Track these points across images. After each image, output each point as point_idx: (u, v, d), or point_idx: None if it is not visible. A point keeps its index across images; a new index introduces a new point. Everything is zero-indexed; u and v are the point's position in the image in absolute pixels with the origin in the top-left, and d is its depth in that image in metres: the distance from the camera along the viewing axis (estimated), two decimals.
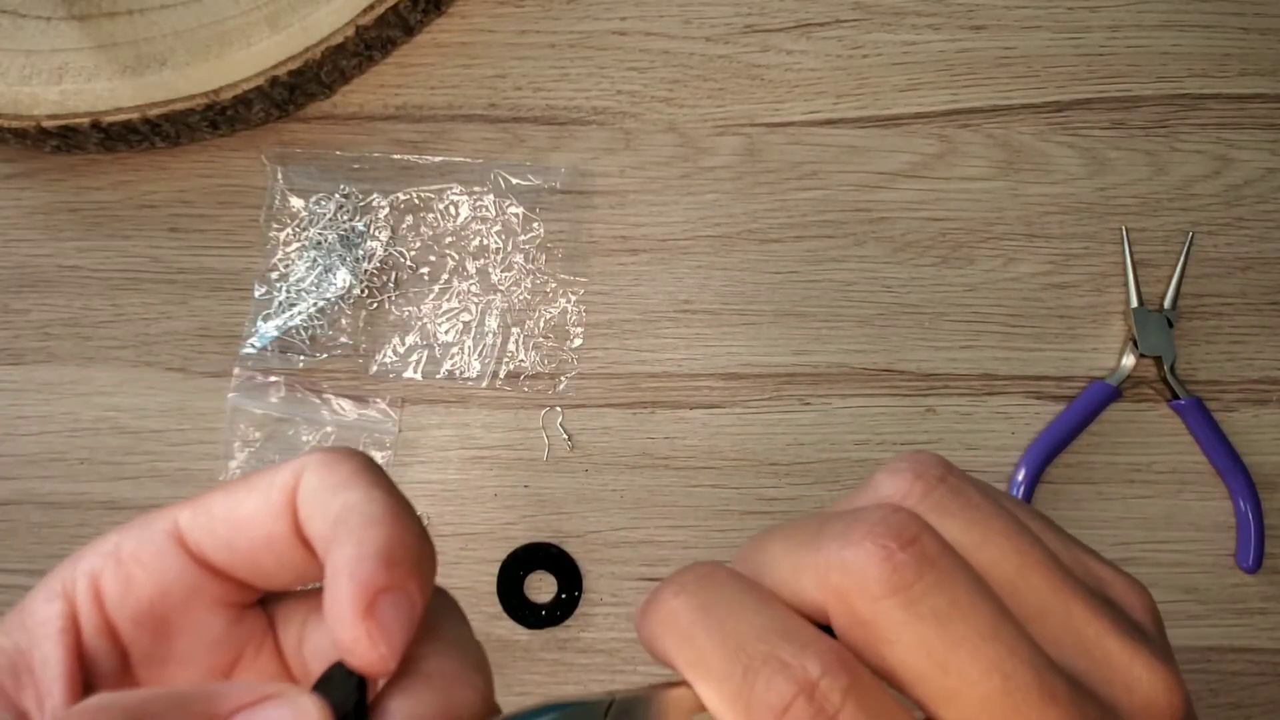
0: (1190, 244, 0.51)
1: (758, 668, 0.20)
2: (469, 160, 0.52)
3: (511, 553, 0.49)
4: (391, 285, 0.51)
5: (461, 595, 0.49)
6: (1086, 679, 0.21)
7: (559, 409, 0.50)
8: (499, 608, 0.48)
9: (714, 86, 0.52)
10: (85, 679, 0.22)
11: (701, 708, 0.21)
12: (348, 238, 0.51)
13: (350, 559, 0.21)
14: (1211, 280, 0.51)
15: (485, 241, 0.51)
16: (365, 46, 0.50)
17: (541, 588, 0.49)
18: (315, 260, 0.51)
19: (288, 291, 0.50)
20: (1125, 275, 0.51)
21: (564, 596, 0.48)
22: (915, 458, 0.23)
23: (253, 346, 0.50)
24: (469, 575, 0.49)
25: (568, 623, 0.48)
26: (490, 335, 0.50)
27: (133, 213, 0.52)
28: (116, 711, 0.18)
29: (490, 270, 0.51)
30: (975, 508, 0.22)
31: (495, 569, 0.49)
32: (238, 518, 0.23)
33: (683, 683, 0.22)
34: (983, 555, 0.22)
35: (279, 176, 0.51)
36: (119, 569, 0.23)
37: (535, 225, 0.51)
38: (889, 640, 0.21)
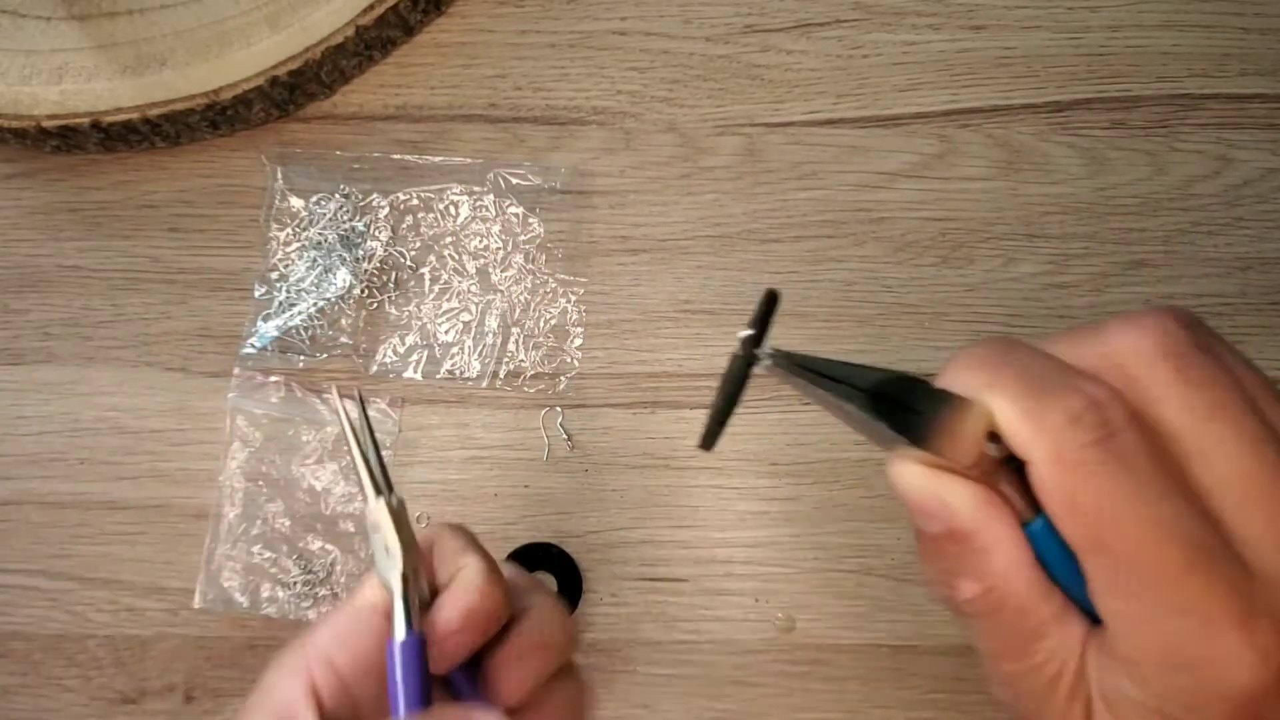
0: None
1: (1052, 389, 0.23)
2: (469, 160, 0.52)
3: (512, 553, 0.49)
4: (391, 285, 0.51)
5: None
6: None
7: (559, 409, 0.50)
8: None
9: (714, 86, 0.52)
10: None
11: (992, 425, 0.24)
12: (348, 238, 0.51)
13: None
14: (1211, 280, 0.51)
15: (485, 241, 0.51)
16: (365, 46, 0.50)
17: None
18: (315, 260, 0.51)
19: (288, 291, 0.50)
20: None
21: (564, 596, 0.48)
22: (1175, 309, 0.26)
23: (253, 346, 0.50)
24: None
25: None
26: (490, 335, 0.50)
27: (133, 213, 0.52)
28: None
29: (490, 270, 0.51)
30: (1232, 352, 0.25)
31: None
32: None
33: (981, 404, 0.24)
34: (1248, 384, 0.24)
35: (279, 176, 0.51)
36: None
37: (535, 225, 0.51)
38: (1158, 398, 0.23)
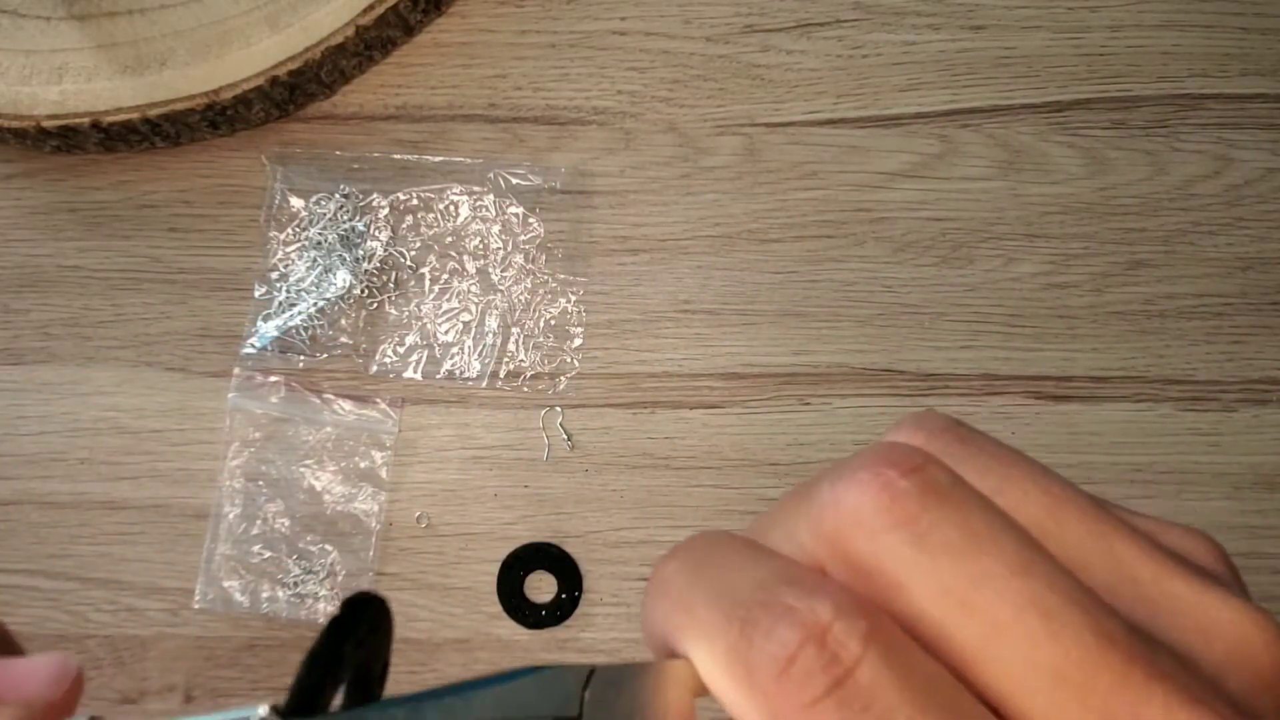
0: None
1: (757, 618, 0.17)
2: (469, 160, 0.52)
3: (512, 553, 0.49)
4: (391, 285, 0.51)
5: (461, 595, 0.49)
6: (1150, 627, 0.17)
7: (559, 409, 0.50)
8: (499, 608, 0.48)
9: (714, 86, 0.52)
10: None
11: (702, 686, 0.18)
12: (348, 238, 0.51)
13: None
14: (1211, 280, 0.51)
15: (485, 241, 0.51)
16: (365, 46, 0.50)
17: (542, 588, 0.49)
18: (315, 260, 0.51)
19: (288, 291, 0.50)
20: None
21: (564, 597, 0.48)
22: (920, 414, 0.20)
23: (253, 346, 0.50)
24: (469, 575, 0.49)
25: (568, 623, 0.48)
26: (490, 335, 0.50)
27: (133, 213, 0.52)
28: None
29: (490, 270, 0.51)
30: (991, 453, 0.19)
31: (495, 569, 0.49)
32: None
33: (682, 657, 0.18)
34: (1006, 499, 0.18)
35: (279, 176, 0.51)
36: None
37: (535, 225, 0.51)
38: (897, 584, 0.17)
